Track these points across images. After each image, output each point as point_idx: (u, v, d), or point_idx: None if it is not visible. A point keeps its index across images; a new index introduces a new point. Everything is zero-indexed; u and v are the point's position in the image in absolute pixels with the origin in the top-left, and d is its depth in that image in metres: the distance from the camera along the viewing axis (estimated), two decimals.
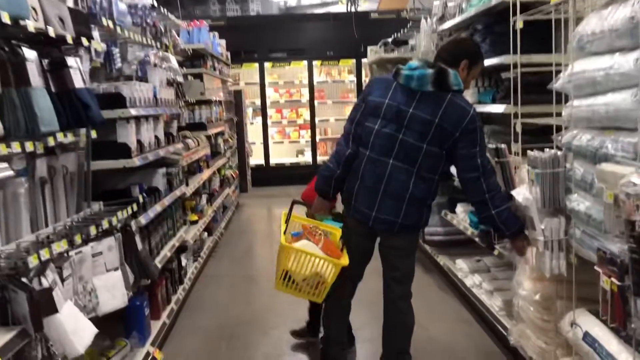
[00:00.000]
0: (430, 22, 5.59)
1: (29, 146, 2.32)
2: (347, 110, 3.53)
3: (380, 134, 2.92)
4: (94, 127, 2.99)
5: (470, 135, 2.87)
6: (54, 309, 2.09)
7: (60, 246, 2.25)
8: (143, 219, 3.53)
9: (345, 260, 2.95)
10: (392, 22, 9.70)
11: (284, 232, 3.12)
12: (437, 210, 5.23)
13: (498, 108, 3.78)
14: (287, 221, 3.21)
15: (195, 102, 6.44)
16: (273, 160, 11.38)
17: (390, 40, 7.70)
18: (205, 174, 6.22)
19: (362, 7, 12.33)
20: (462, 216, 4.57)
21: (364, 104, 3.01)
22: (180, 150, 5.00)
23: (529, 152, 2.90)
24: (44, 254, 2.09)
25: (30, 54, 2.43)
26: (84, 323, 2.35)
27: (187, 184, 5.18)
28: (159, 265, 3.90)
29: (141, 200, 3.51)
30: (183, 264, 4.85)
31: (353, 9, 11.30)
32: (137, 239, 3.27)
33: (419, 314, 3.30)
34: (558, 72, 2.80)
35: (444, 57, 3.07)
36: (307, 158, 11.48)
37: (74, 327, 2.20)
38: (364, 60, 10.28)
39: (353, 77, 11.35)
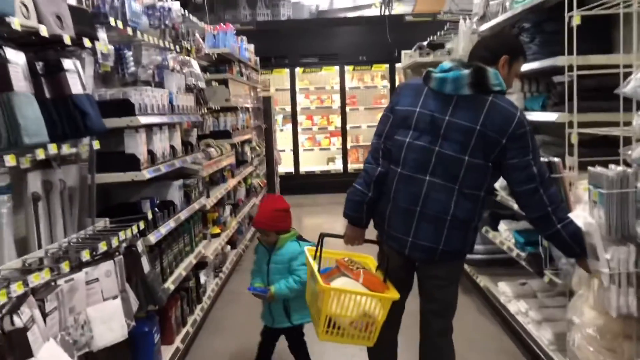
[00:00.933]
0: (470, 23, 5.18)
1: (10, 160, 2.02)
2: (380, 117, 3.20)
3: (412, 148, 2.56)
4: (94, 136, 2.70)
5: (520, 141, 2.47)
6: (28, 353, 1.78)
7: (39, 277, 1.94)
8: (153, 237, 3.22)
9: (394, 294, 2.53)
10: (428, 25, 9.25)
11: (318, 271, 2.60)
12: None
13: (550, 116, 3.35)
14: (317, 258, 2.66)
15: (219, 109, 6.16)
16: (303, 168, 11.06)
17: (425, 43, 7.29)
18: (230, 183, 5.92)
19: (397, 10, 11.89)
20: (505, 235, 4.13)
21: (392, 115, 2.66)
22: (200, 160, 4.70)
23: (590, 168, 2.49)
24: (15, 289, 1.77)
25: (15, 55, 2.14)
26: None
27: (207, 196, 4.88)
28: (173, 286, 3.59)
29: (150, 216, 3.20)
30: (202, 281, 4.54)
31: (387, 12, 10.90)
32: (144, 260, 2.96)
33: (456, 341, 2.84)
34: (625, 74, 2.38)
35: (481, 54, 2.66)
36: (337, 166, 11.11)
37: None
38: (397, 65, 9.88)
39: (386, 83, 10.96)
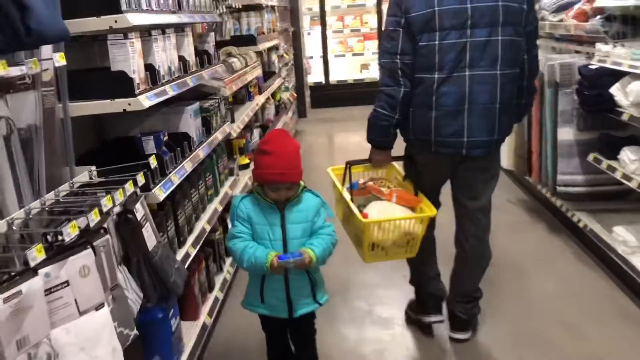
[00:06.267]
0: None
1: None
2: (385, 35, 2.51)
3: (445, 48, 2.46)
4: (55, 46, 1.67)
5: (532, 3, 2.55)
6: None
7: None
8: (160, 192, 2.26)
9: (431, 210, 2.59)
10: None
11: (351, 200, 2.63)
12: (578, 151, 3.74)
13: None
14: (348, 187, 2.72)
15: (241, 7, 4.98)
16: (334, 77, 9.90)
17: None
18: (257, 101, 4.87)
19: None
20: (635, 167, 3.07)
21: (407, 25, 2.49)
22: (221, 75, 3.65)
23: None
24: None
25: None
26: None
27: (232, 120, 3.86)
28: (194, 250, 2.67)
29: (155, 162, 2.21)
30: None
31: None
32: (148, 229, 2.01)
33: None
34: None
35: None
36: (372, 74, 9.85)
37: None
38: None
39: None
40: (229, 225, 2.51)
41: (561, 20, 3.97)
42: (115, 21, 2.05)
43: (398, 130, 2.69)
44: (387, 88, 2.56)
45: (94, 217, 1.58)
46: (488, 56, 2.45)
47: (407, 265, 3.02)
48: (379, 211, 2.59)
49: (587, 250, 3.73)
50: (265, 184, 2.23)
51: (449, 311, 2.93)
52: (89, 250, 1.57)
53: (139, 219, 1.94)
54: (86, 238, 1.61)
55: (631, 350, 2.73)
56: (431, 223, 2.77)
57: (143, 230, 1.96)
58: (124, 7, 2.07)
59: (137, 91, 2.15)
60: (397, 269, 3.40)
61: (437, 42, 2.45)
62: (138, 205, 1.98)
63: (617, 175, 3.20)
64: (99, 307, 1.58)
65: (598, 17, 3.50)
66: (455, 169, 2.68)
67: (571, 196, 3.90)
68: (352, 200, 2.63)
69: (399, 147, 2.81)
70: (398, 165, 2.88)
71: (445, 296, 2.96)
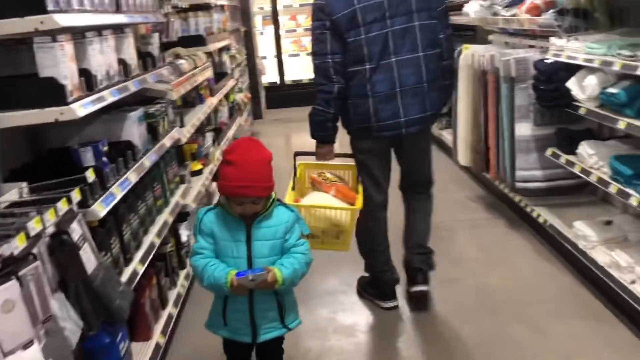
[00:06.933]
0: None
1: None
2: (314, 38, 2.80)
3: (371, 41, 2.71)
4: None
5: None
6: None
7: None
8: (101, 207, 2.08)
9: (359, 203, 2.80)
10: None
11: (292, 189, 2.91)
12: (536, 147, 3.72)
13: None
14: (294, 175, 2.97)
15: (189, 6, 4.79)
16: (289, 77, 9.76)
17: None
18: (209, 104, 4.69)
19: None
20: (592, 161, 3.05)
21: (332, 27, 2.72)
22: (167, 78, 3.46)
23: None
24: None
25: None
26: None
27: (182, 125, 3.68)
28: (142, 267, 2.50)
29: (92, 176, 2.03)
30: (183, 239, 3.44)
31: None
32: (87, 251, 1.83)
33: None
34: None
35: None
36: None
37: None
38: None
39: None
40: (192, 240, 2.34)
41: (514, 15, 3.95)
42: (42, 22, 1.86)
43: (341, 125, 2.90)
44: (322, 86, 2.77)
45: (18, 244, 1.40)
46: (409, 42, 2.72)
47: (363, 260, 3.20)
48: (313, 200, 2.77)
49: (548, 245, 3.70)
50: (230, 197, 2.05)
51: (408, 268, 3.11)
52: (14, 282, 1.40)
53: (75, 240, 1.77)
54: (11, 267, 1.43)
55: (598, 347, 2.69)
56: (379, 215, 3.02)
57: (81, 252, 1.79)
58: (50, 6, 1.88)
59: (69, 99, 1.97)
60: (358, 272, 3.32)
61: (363, 37, 2.70)
62: (74, 225, 1.81)
63: (576, 169, 3.18)
64: (27, 345, 1.41)
65: (551, 11, 3.48)
66: (398, 148, 2.97)
67: (530, 192, 3.88)
68: (293, 188, 2.87)
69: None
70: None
71: (399, 280, 3.15)
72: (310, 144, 2.98)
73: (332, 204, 2.75)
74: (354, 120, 2.85)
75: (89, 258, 1.83)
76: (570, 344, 2.73)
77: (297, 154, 2.94)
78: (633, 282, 2.74)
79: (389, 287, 3.12)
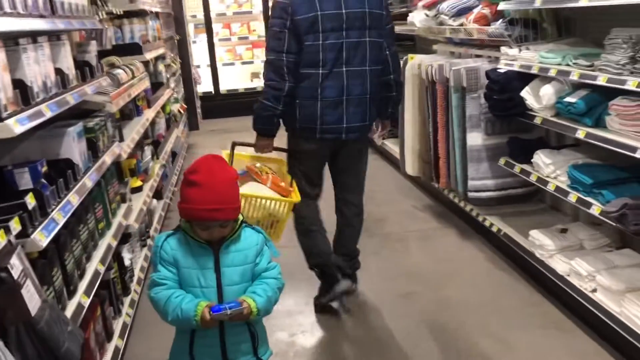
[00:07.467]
0: None
1: None
2: (271, 34, 2.90)
3: (327, 47, 2.83)
4: None
5: (388, 8, 3.05)
6: None
7: None
8: (42, 236, 1.83)
9: (296, 197, 2.91)
10: None
11: None
12: (487, 156, 3.71)
13: None
14: (230, 164, 2.91)
15: (123, 13, 4.51)
16: (224, 87, 9.51)
17: None
18: (147, 116, 4.42)
19: None
20: (549, 170, 3.05)
21: (293, 27, 2.81)
22: (106, 89, 3.20)
23: None
24: None
25: None
26: None
27: (121, 139, 3.42)
28: (87, 300, 2.24)
29: (32, 201, 1.78)
30: (127, 263, 3.18)
31: None
32: (29, 288, 1.59)
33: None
34: None
35: None
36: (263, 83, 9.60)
37: None
38: None
39: None
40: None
41: (462, 25, 3.94)
42: None
43: (282, 122, 2.99)
44: (273, 82, 2.86)
45: None
46: (360, 55, 2.89)
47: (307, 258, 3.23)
48: (251, 190, 2.82)
49: (502, 255, 3.70)
50: (194, 222, 1.85)
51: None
52: None
53: (16, 277, 1.52)
54: None
55: (562, 356, 2.68)
56: (312, 203, 3.15)
57: (23, 290, 1.55)
58: None
59: (4, 114, 1.72)
60: (314, 292, 3.19)
61: (320, 42, 2.82)
62: (14, 260, 1.56)
63: (532, 178, 3.18)
64: None
65: (500, 20, 3.49)
66: (335, 152, 3.09)
67: (482, 201, 3.87)
68: None
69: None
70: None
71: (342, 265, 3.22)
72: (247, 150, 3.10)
73: (271, 195, 2.85)
74: (300, 120, 2.94)
75: (31, 296, 1.59)
76: (539, 355, 2.71)
77: (234, 144, 3.01)
78: (594, 290, 2.75)
79: (337, 269, 3.14)
